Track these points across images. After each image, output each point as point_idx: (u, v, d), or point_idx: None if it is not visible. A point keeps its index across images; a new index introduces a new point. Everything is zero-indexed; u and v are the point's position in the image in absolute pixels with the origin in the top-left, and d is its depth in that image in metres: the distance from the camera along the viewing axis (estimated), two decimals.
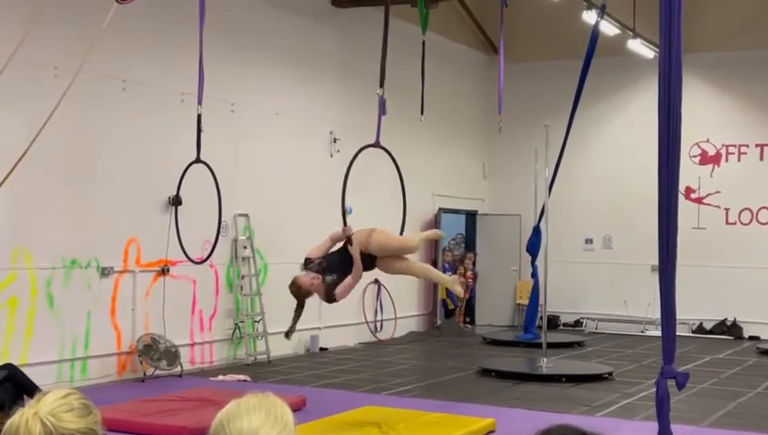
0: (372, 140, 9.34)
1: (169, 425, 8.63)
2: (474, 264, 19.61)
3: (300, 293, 9.09)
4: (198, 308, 13.01)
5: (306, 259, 9.11)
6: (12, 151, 8.81)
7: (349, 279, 8.94)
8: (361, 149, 9.26)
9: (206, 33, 9.56)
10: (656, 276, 6.79)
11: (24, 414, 2.16)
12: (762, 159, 18.47)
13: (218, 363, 13.20)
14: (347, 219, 9.18)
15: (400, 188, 9.61)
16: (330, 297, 8.99)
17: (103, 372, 11.51)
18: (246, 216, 13.77)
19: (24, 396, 8.36)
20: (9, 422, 2.17)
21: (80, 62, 8.38)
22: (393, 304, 17.00)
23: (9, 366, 8.68)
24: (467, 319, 19.39)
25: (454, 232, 20.66)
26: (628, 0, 16.53)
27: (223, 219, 9.85)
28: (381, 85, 9.18)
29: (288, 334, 9.39)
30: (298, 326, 14.72)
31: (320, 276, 8.92)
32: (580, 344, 16.41)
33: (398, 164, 9.60)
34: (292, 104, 14.68)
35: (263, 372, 12.65)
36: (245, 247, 13.76)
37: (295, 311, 9.21)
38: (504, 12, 13.46)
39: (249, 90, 13.84)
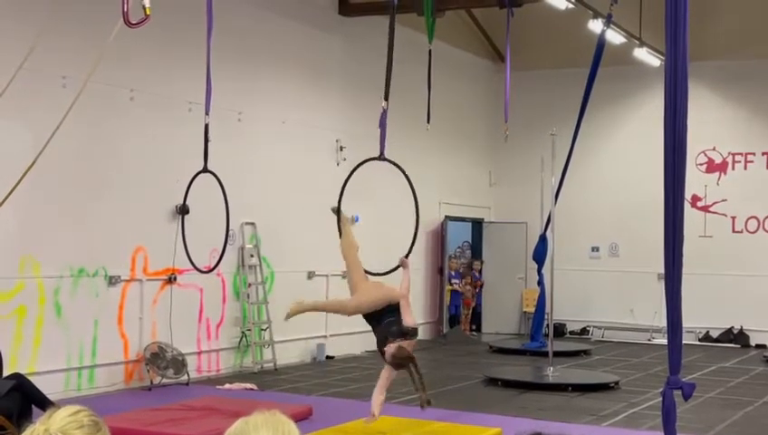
0: (377, 149, 9.32)
1: (177, 434, 8.63)
2: (480, 272, 19.61)
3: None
4: (205, 316, 13.03)
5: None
6: (20, 161, 8.84)
7: None
8: (363, 163, 9.24)
9: (213, 42, 9.58)
10: (662, 284, 6.78)
11: (35, 431, 2.18)
12: None
13: (225, 372, 13.22)
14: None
15: (413, 198, 9.28)
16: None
17: (110, 381, 11.53)
18: (253, 224, 13.80)
19: (33, 405, 8.38)
20: None
21: (88, 71, 8.41)
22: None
23: (17, 376, 8.70)
24: (473, 327, 19.38)
25: (460, 240, 20.68)
26: (635, 9, 16.54)
27: (230, 228, 9.84)
28: (386, 98, 9.11)
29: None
30: (305, 335, 14.82)
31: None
32: (586, 353, 16.40)
33: (408, 175, 9.31)
34: (299, 113, 14.72)
35: (269, 381, 12.66)
36: (252, 256, 13.79)
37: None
38: (510, 20, 13.51)
39: (256, 99, 13.88)
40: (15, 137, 10.22)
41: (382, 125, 9.11)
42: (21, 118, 10.33)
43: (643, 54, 17.21)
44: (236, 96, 13.27)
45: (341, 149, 15.58)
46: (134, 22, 6.84)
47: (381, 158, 9.14)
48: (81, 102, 8.80)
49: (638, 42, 16.93)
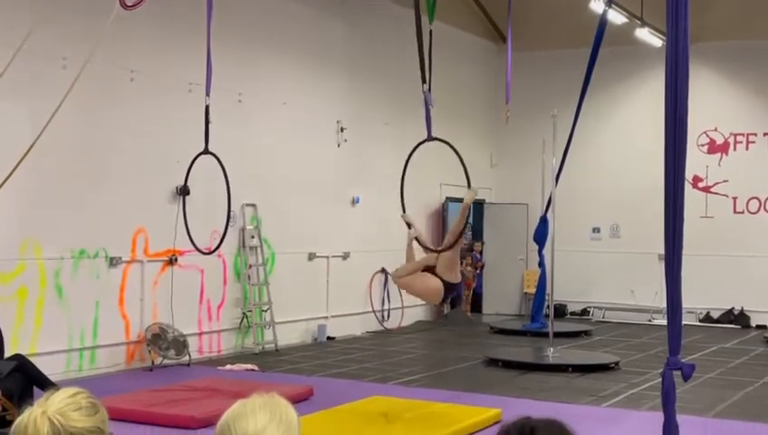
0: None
1: (178, 414, 8.67)
2: (481, 253, 19.61)
3: None
4: (206, 297, 13.06)
5: None
6: (20, 142, 8.84)
7: None
8: (416, 147, 9.31)
9: (213, 23, 9.55)
10: (663, 265, 6.76)
11: (33, 413, 2.18)
12: None
13: (226, 353, 13.26)
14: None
15: (464, 177, 9.44)
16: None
17: (112, 362, 11.57)
18: (254, 205, 13.80)
19: (34, 386, 8.41)
20: (18, 421, 2.20)
21: (88, 52, 8.39)
22: (400, 293, 17.00)
23: (18, 357, 8.72)
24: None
25: None
26: None
27: (231, 209, 9.83)
28: (424, 81, 9.20)
29: None
30: (306, 315, 14.85)
31: None
32: (586, 334, 16.43)
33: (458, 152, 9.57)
34: (300, 94, 14.69)
35: (270, 362, 12.70)
36: (253, 237, 13.80)
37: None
38: (511, 0, 13.45)
39: (257, 80, 13.85)
40: (16, 119, 10.21)
41: (427, 106, 9.24)
42: (21, 100, 10.31)
43: (644, 35, 17.16)
44: (237, 77, 13.23)
45: (342, 130, 15.56)
46: (129, 4, 6.82)
47: (430, 138, 9.23)
48: (80, 84, 8.77)
49: (639, 22, 16.87)
